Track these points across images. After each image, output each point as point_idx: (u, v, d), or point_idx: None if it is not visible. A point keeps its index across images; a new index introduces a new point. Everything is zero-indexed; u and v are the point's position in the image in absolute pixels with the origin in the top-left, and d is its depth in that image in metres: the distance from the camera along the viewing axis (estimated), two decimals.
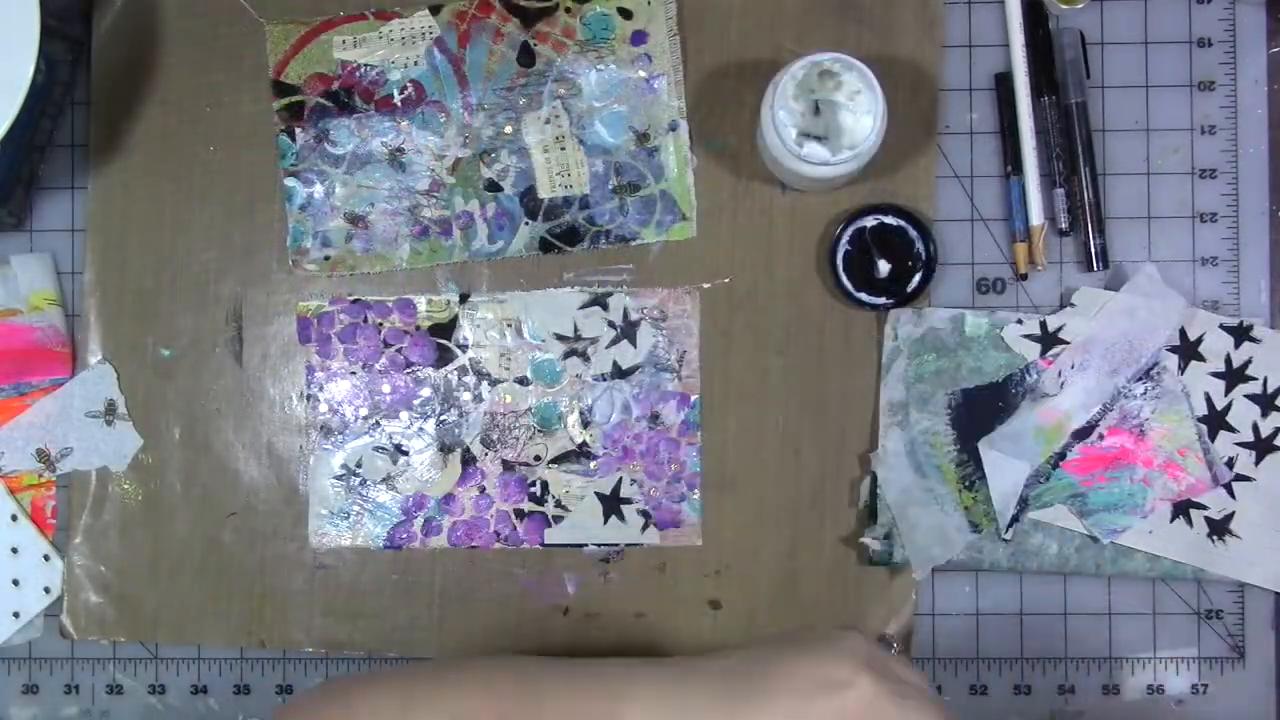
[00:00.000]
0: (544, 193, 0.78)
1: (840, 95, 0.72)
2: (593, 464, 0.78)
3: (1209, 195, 0.78)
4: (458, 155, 0.79)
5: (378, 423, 0.79)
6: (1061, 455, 0.76)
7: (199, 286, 0.79)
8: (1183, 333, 0.77)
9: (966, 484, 0.77)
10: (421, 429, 0.78)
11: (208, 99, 0.79)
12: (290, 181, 0.79)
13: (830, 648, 0.63)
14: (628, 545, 0.78)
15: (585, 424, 0.78)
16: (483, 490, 0.78)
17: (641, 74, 0.78)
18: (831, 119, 0.73)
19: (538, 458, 0.78)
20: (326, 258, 0.79)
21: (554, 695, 0.64)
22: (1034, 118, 0.77)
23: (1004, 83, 0.78)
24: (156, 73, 0.79)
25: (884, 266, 0.76)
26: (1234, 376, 0.77)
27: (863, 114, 0.72)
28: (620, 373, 0.78)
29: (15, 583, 0.79)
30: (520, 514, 0.78)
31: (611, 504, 0.78)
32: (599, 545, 0.78)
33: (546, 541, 0.78)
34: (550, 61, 0.78)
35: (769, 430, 0.78)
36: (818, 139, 0.72)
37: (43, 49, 0.70)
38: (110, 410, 0.79)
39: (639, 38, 0.78)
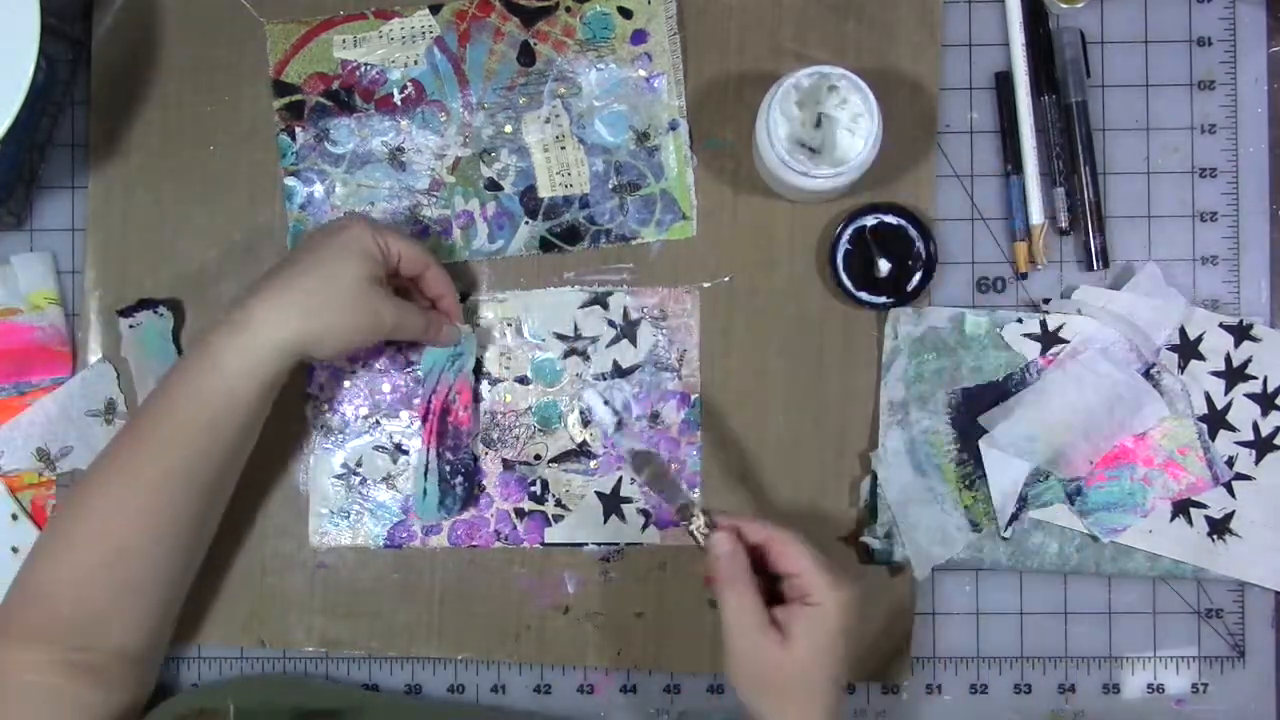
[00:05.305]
0: (544, 192, 0.78)
1: (844, 113, 0.72)
2: (593, 463, 0.78)
3: (1209, 194, 0.78)
4: (458, 154, 0.79)
5: (378, 422, 0.79)
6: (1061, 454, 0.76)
7: (199, 286, 0.79)
8: (1183, 332, 0.77)
9: (966, 483, 0.77)
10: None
11: (208, 99, 0.79)
12: (290, 181, 0.79)
13: None
14: (628, 545, 0.78)
15: (585, 423, 0.78)
16: (483, 489, 0.78)
17: (641, 73, 0.78)
18: (830, 134, 0.73)
19: (538, 457, 0.78)
20: None
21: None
22: (1034, 117, 0.77)
23: (1004, 82, 0.78)
24: (156, 73, 0.79)
25: (884, 265, 0.76)
26: (1234, 375, 0.77)
27: (858, 137, 0.72)
28: (620, 372, 0.78)
29: None
30: (520, 513, 0.78)
31: (612, 503, 0.78)
32: (599, 545, 0.78)
33: (546, 541, 0.78)
34: (550, 61, 0.78)
35: (769, 430, 0.78)
36: (812, 150, 0.72)
37: (43, 49, 0.70)
38: (110, 409, 0.79)
39: (639, 37, 0.78)
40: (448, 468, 0.76)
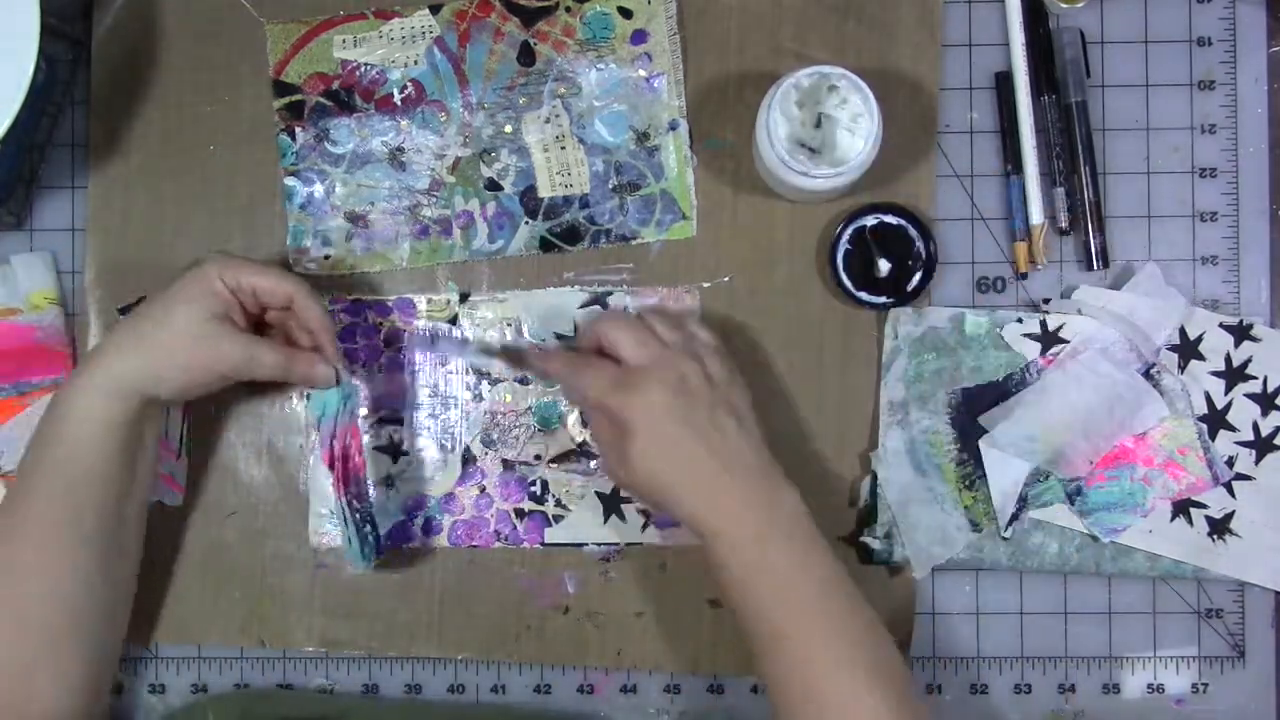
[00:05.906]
0: (544, 192, 0.78)
1: (844, 114, 0.72)
2: (593, 463, 0.78)
3: (1209, 194, 0.78)
4: (458, 154, 0.79)
5: (378, 422, 0.79)
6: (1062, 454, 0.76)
7: None
8: (1183, 332, 0.77)
9: (966, 483, 0.77)
10: (421, 429, 0.78)
11: (208, 99, 0.79)
12: (290, 181, 0.79)
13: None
14: (628, 545, 0.78)
15: (585, 423, 0.78)
16: (483, 490, 0.78)
17: (641, 73, 0.78)
18: (830, 134, 0.73)
19: (538, 457, 0.78)
20: (326, 257, 0.79)
21: None
22: (1034, 117, 0.77)
23: (1004, 82, 0.78)
24: (156, 72, 0.79)
25: (884, 265, 0.76)
26: (1234, 375, 0.77)
27: (858, 137, 0.72)
28: None
29: None
30: (520, 513, 0.78)
31: (611, 503, 0.78)
32: (599, 545, 0.78)
33: (546, 541, 0.78)
34: (550, 61, 0.78)
35: (768, 430, 0.77)
36: (811, 150, 0.72)
37: (43, 49, 0.70)
38: None
39: (639, 37, 0.78)
40: (358, 515, 0.73)
